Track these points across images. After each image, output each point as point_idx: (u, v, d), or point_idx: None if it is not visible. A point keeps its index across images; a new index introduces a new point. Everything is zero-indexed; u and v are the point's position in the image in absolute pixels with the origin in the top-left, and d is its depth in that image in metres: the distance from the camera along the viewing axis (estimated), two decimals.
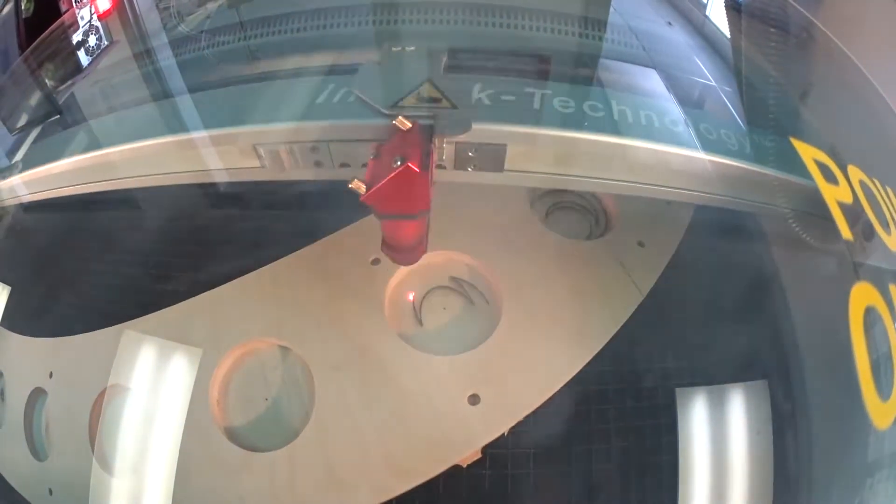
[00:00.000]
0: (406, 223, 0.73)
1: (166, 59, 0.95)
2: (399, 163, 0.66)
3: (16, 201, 0.94)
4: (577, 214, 0.86)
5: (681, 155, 0.77)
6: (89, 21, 1.02)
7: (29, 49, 1.09)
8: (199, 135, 0.81)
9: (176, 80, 0.92)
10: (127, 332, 0.79)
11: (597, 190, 0.82)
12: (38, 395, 0.84)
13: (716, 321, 0.80)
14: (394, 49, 0.83)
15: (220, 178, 0.83)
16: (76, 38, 1.04)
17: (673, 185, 0.80)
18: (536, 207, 0.86)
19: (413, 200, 0.69)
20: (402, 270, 0.81)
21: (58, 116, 0.97)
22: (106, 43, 1.01)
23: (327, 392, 0.75)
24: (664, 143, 0.76)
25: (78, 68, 1.01)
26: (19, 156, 0.97)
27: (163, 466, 0.73)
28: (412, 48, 0.82)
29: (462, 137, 0.73)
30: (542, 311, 0.78)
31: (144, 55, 0.98)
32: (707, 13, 1.07)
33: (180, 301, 0.82)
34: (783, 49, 1.03)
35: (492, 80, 0.81)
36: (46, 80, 1.03)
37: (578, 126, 0.75)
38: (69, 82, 1.00)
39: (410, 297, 0.80)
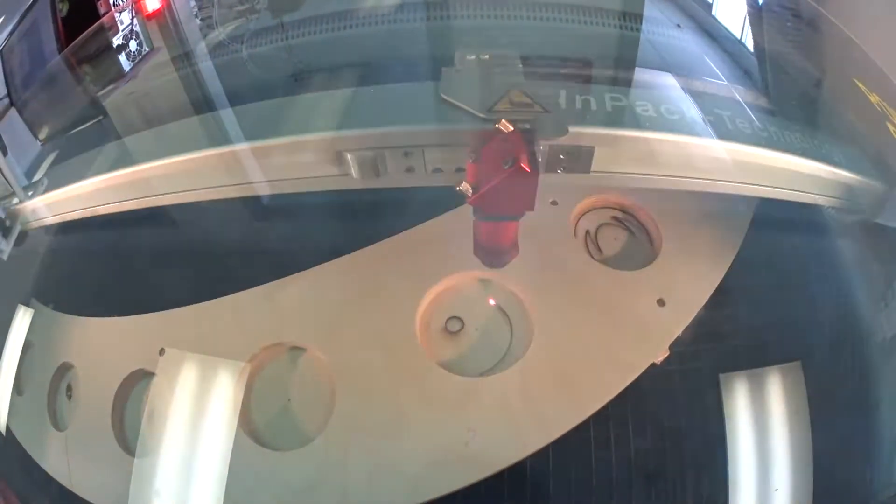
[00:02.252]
0: (506, 225, 0.74)
1: (212, 68, 0.95)
2: (510, 164, 0.67)
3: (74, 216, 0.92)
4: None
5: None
6: (130, 25, 1.02)
7: (66, 51, 1.08)
8: (282, 141, 0.79)
9: (228, 87, 0.92)
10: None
11: (677, 188, 0.82)
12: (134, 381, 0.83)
13: (752, 313, 0.84)
14: (469, 57, 0.82)
15: (308, 186, 0.81)
16: (116, 41, 1.04)
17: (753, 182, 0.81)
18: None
19: (521, 201, 0.70)
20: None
21: (101, 119, 0.96)
22: (147, 49, 1.01)
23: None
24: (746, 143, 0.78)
25: (119, 73, 1.01)
26: (44, 169, 0.98)
27: (188, 468, 0.75)
28: (486, 56, 0.82)
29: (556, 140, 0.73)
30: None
31: (188, 63, 0.98)
32: (714, 13, 1.10)
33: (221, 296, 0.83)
34: (798, 41, 1.07)
35: (572, 86, 0.82)
36: (88, 84, 1.03)
37: (660, 128, 0.76)
38: (111, 86, 1.00)
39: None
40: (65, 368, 0.86)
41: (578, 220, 0.90)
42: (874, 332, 0.85)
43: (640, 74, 0.88)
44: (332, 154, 0.76)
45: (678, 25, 1.03)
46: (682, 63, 0.93)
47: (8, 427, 0.86)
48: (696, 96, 0.83)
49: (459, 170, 0.72)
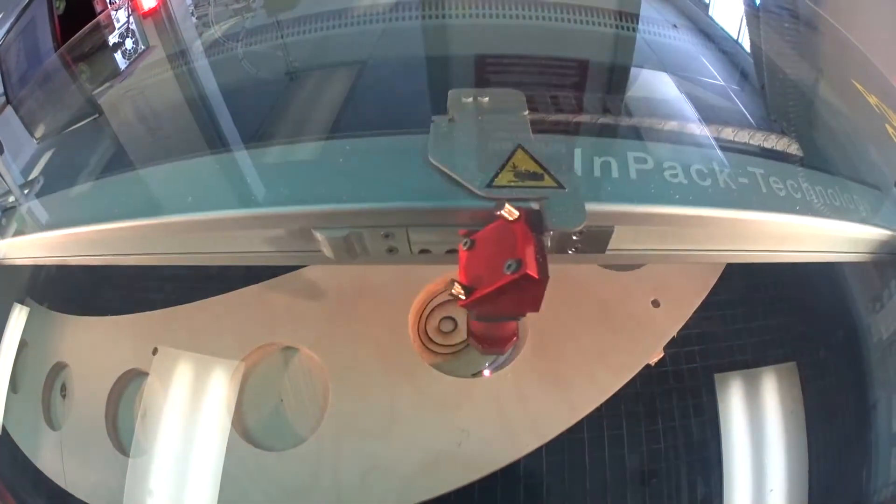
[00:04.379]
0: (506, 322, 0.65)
1: (205, 73, 0.94)
2: (513, 268, 0.54)
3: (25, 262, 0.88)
4: None
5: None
6: (126, 24, 1.02)
7: (62, 48, 1.07)
8: (248, 213, 0.65)
9: (213, 94, 0.90)
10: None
11: (706, 261, 0.77)
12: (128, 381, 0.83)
13: (748, 314, 0.84)
14: (464, 100, 0.68)
15: (278, 261, 0.71)
16: (112, 39, 1.04)
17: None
18: None
19: (525, 305, 0.59)
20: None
21: (96, 117, 0.96)
22: (143, 48, 1.01)
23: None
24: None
25: (115, 71, 1.01)
26: (40, 168, 0.97)
27: (182, 468, 0.76)
28: (486, 98, 0.68)
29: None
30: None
31: (180, 63, 0.98)
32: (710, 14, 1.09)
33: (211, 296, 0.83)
34: (796, 42, 1.07)
35: (590, 142, 0.69)
36: (85, 82, 1.02)
37: (691, 199, 0.64)
38: (107, 84, 0.99)
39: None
40: (59, 368, 0.87)
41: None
42: (870, 333, 0.85)
43: (660, 108, 0.78)
44: (299, 231, 0.66)
45: (674, 26, 1.02)
46: (683, 66, 0.92)
47: (3, 426, 0.86)
48: (728, 148, 0.73)
49: (451, 251, 0.63)
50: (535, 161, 0.61)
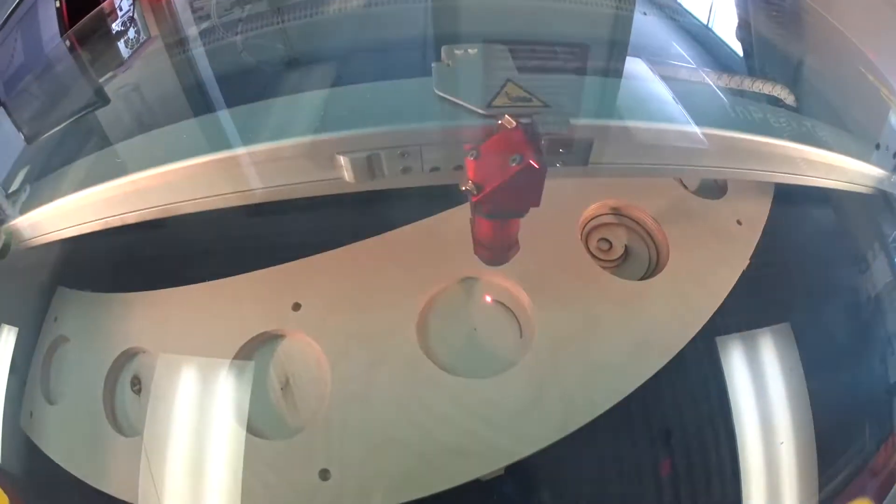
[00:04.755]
0: (508, 222, 0.73)
1: (209, 60, 0.93)
2: (517, 161, 0.65)
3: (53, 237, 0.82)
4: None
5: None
6: (128, 12, 1.01)
7: (64, 37, 1.04)
8: (273, 146, 0.73)
9: (221, 81, 0.90)
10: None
11: (677, 175, 0.86)
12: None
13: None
14: (456, 52, 0.79)
15: (300, 192, 0.76)
16: (115, 27, 1.02)
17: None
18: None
19: (528, 198, 0.69)
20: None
21: (93, 109, 0.94)
22: (144, 38, 0.99)
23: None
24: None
25: (118, 61, 0.98)
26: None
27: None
28: (474, 50, 0.80)
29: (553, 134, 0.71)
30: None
31: (184, 52, 0.96)
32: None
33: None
34: (779, 24, 1.11)
35: (565, 78, 0.84)
36: (89, 72, 1.00)
37: (658, 117, 0.78)
38: (110, 74, 0.97)
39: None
40: (128, 356, 0.72)
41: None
42: (859, 293, 0.90)
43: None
44: (324, 158, 0.72)
45: (644, 13, 1.05)
46: (677, 54, 0.96)
47: (29, 454, 0.74)
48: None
49: (458, 167, 0.72)
50: (524, 90, 0.74)
